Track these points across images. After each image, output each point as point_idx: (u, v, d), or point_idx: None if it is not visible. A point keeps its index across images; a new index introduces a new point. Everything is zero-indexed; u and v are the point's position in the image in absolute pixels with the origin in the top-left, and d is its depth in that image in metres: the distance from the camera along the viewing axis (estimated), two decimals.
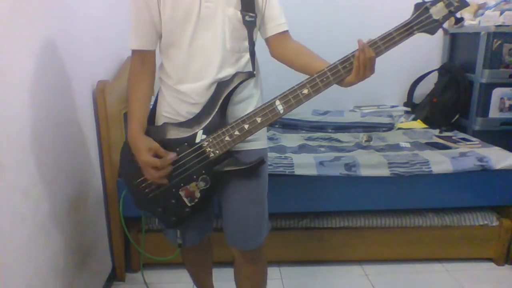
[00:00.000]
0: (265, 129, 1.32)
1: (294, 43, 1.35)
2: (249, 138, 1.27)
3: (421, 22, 1.11)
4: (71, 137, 1.64)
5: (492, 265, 2.23)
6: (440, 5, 1.10)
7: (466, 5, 1.10)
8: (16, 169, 1.25)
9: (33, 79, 1.36)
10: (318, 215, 2.19)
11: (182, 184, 1.30)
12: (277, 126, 2.88)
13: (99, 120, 1.89)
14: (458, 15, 1.14)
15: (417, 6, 1.12)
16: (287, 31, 1.33)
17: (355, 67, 1.16)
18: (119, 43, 2.11)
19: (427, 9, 1.11)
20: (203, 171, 1.28)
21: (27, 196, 1.30)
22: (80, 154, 1.75)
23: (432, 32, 1.13)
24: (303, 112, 2.91)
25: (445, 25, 1.14)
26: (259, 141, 1.35)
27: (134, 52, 1.30)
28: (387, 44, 1.13)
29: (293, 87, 1.20)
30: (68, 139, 1.62)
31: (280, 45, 1.34)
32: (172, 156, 1.26)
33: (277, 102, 1.21)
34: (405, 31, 1.12)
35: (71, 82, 1.65)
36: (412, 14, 1.12)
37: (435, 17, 1.11)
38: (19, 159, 1.26)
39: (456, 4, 1.09)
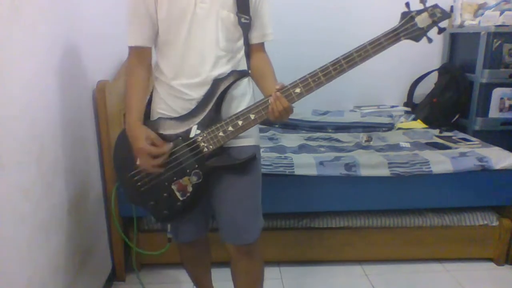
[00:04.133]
0: (257, 126, 1.35)
1: (262, 59, 1.40)
2: (242, 134, 1.30)
3: (407, 29, 1.18)
4: (71, 137, 1.64)
5: (492, 265, 2.24)
6: (425, 15, 1.16)
7: (448, 16, 1.18)
8: (16, 169, 1.24)
9: (33, 79, 1.36)
10: (318, 215, 2.19)
11: (174, 178, 1.33)
12: (277, 126, 2.88)
13: (99, 120, 1.89)
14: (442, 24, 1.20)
15: (404, 15, 1.18)
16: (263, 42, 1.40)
17: (270, 110, 1.24)
18: (119, 43, 2.10)
19: (412, 17, 1.17)
20: (196, 165, 1.30)
21: (27, 196, 1.30)
22: (80, 154, 1.75)
23: (417, 39, 1.19)
24: (303, 112, 2.91)
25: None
26: (251, 138, 1.37)
27: (131, 48, 1.32)
28: (375, 48, 1.19)
29: (286, 86, 1.23)
30: (68, 139, 1.62)
31: (252, 54, 1.38)
32: (168, 146, 1.29)
33: (271, 100, 1.24)
34: (392, 37, 1.18)
35: (71, 82, 1.65)
36: (399, 22, 1.19)
37: (420, 25, 1.17)
38: (19, 159, 1.26)
39: (439, 15, 1.16)
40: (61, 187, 1.54)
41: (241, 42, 1.32)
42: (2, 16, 1.19)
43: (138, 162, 1.33)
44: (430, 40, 1.19)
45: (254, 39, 1.36)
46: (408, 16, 1.17)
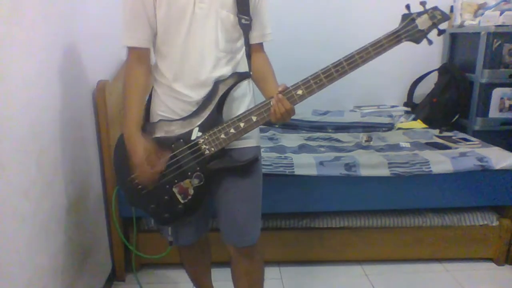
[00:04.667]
0: (258, 127, 1.35)
1: (262, 59, 1.39)
2: (243, 136, 1.30)
3: (408, 31, 1.19)
4: (71, 137, 1.64)
5: (492, 265, 2.24)
6: (425, 16, 1.18)
7: (447, 18, 1.20)
8: (16, 169, 1.25)
9: (33, 79, 1.36)
10: (318, 215, 2.19)
11: (176, 181, 1.32)
12: (277, 126, 2.88)
13: (99, 120, 1.89)
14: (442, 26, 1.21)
15: (404, 17, 1.20)
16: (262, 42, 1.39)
17: (272, 112, 1.24)
18: (119, 43, 2.10)
19: (413, 20, 1.19)
20: (198, 168, 1.30)
21: (27, 196, 1.30)
22: (80, 154, 1.75)
23: (417, 41, 1.20)
24: (303, 112, 2.91)
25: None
26: (252, 139, 1.37)
27: (130, 49, 1.31)
28: (377, 50, 1.19)
29: (288, 87, 1.23)
30: (68, 139, 1.62)
31: (252, 55, 1.37)
32: (165, 159, 1.28)
33: (273, 102, 1.24)
34: (393, 39, 1.19)
35: (71, 82, 1.65)
36: (400, 24, 1.20)
37: (420, 27, 1.19)
38: (19, 159, 1.26)
39: (439, 17, 1.18)
40: (61, 187, 1.54)
41: (240, 43, 1.32)
42: (2, 16, 1.19)
43: (134, 174, 1.31)
44: (430, 42, 1.20)
45: (253, 39, 1.36)
46: (409, 18, 1.18)
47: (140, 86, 1.31)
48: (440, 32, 1.20)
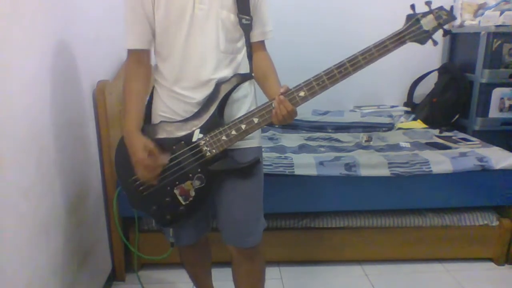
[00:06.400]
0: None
1: (264, 58, 1.38)
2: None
3: (412, 32, 1.17)
4: (71, 137, 1.64)
5: (492, 265, 2.24)
6: (430, 17, 1.16)
7: (454, 18, 1.19)
8: (16, 169, 1.24)
9: (33, 79, 1.36)
10: (318, 215, 2.19)
11: (177, 183, 1.31)
12: (277, 126, 2.88)
13: (99, 120, 1.89)
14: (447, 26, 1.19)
15: (409, 17, 1.18)
16: (264, 40, 1.38)
17: (273, 114, 1.23)
18: (119, 43, 2.09)
19: (418, 20, 1.17)
20: (199, 170, 1.29)
21: (27, 196, 1.30)
22: (80, 154, 1.75)
23: (422, 42, 1.18)
24: (303, 112, 2.91)
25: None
26: (254, 139, 1.36)
27: (129, 51, 1.31)
28: (380, 51, 1.18)
29: (290, 89, 1.22)
30: (68, 139, 1.62)
31: (253, 53, 1.36)
32: (166, 158, 1.27)
33: (274, 104, 1.23)
34: (397, 40, 1.18)
35: (71, 82, 1.65)
36: (405, 24, 1.18)
37: (425, 28, 1.17)
38: (19, 159, 1.26)
39: (444, 17, 1.16)
40: (61, 187, 1.54)
41: (241, 43, 1.31)
42: (2, 16, 1.19)
43: (136, 173, 1.31)
44: (435, 43, 1.18)
45: (255, 37, 1.35)
46: (413, 19, 1.17)
47: (139, 88, 1.31)
48: (446, 33, 1.18)
